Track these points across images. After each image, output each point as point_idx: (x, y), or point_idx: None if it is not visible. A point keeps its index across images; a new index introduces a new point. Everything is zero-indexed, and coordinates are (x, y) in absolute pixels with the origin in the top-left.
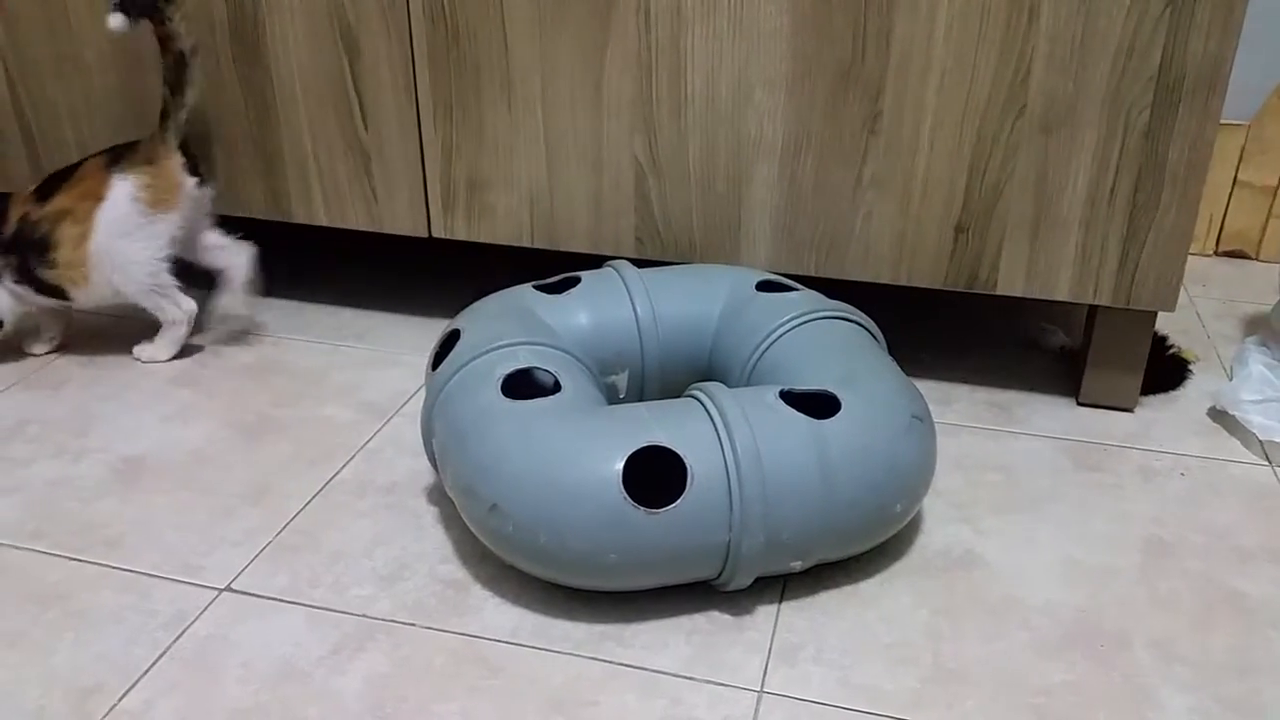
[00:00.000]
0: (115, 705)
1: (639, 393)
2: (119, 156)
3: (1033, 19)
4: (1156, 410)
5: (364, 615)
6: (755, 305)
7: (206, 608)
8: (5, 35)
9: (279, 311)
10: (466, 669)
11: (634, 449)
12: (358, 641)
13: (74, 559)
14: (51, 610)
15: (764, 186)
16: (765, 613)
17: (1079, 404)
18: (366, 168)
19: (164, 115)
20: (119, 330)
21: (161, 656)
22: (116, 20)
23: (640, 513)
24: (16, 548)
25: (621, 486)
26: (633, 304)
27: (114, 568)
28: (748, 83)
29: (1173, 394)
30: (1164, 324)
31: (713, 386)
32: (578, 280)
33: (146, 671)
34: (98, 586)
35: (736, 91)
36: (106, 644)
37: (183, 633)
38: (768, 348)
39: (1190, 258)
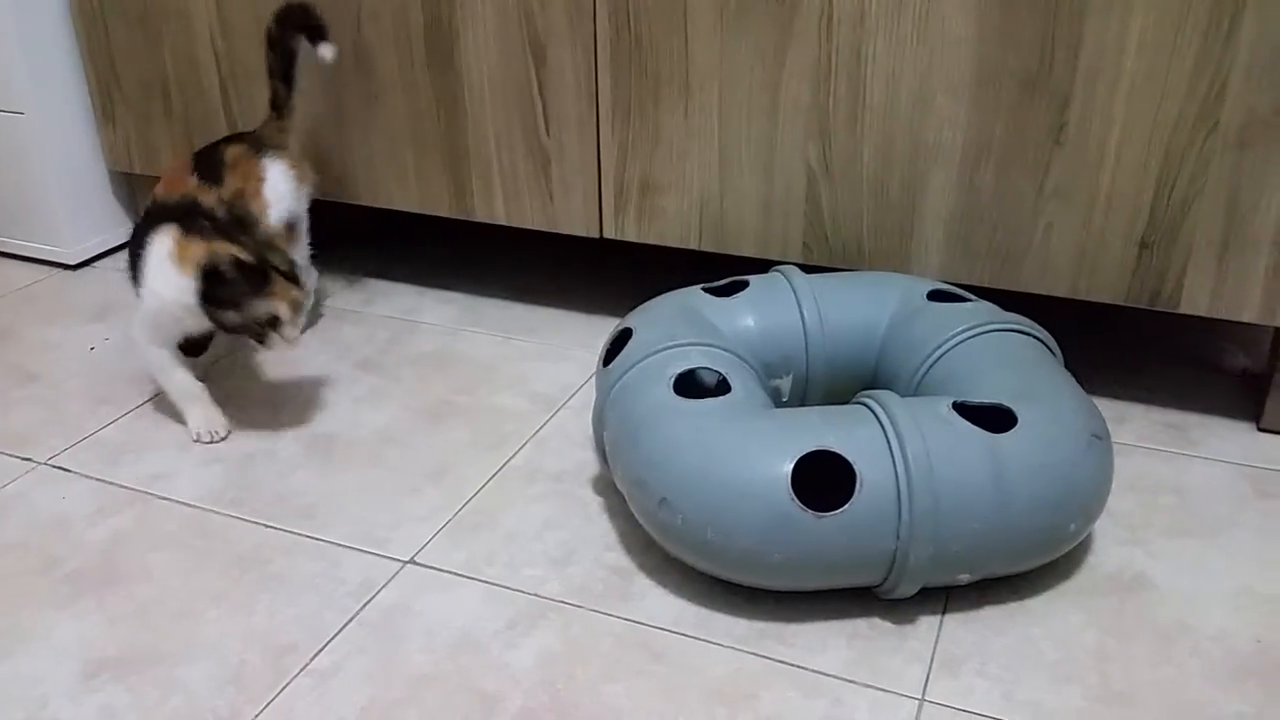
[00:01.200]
0: (307, 665)
1: (802, 398)
2: (256, 142)
3: (1233, 31)
4: None
5: (536, 594)
6: (926, 315)
7: (392, 578)
8: (221, 40)
9: (457, 305)
10: (631, 653)
11: (804, 452)
12: (530, 619)
13: (270, 526)
14: (250, 573)
15: (940, 194)
16: (928, 623)
17: (1259, 429)
18: (546, 170)
19: (277, 105)
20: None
21: (350, 622)
22: (328, 51)
23: (808, 515)
24: (218, 513)
25: (790, 488)
26: (800, 309)
27: (307, 536)
28: (929, 89)
29: None
30: None
31: (884, 394)
32: (746, 284)
33: (336, 635)
34: (292, 553)
35: (917, 98)
36: (300, 607)
37: (369, 601)
38: (939, 358)
39: None
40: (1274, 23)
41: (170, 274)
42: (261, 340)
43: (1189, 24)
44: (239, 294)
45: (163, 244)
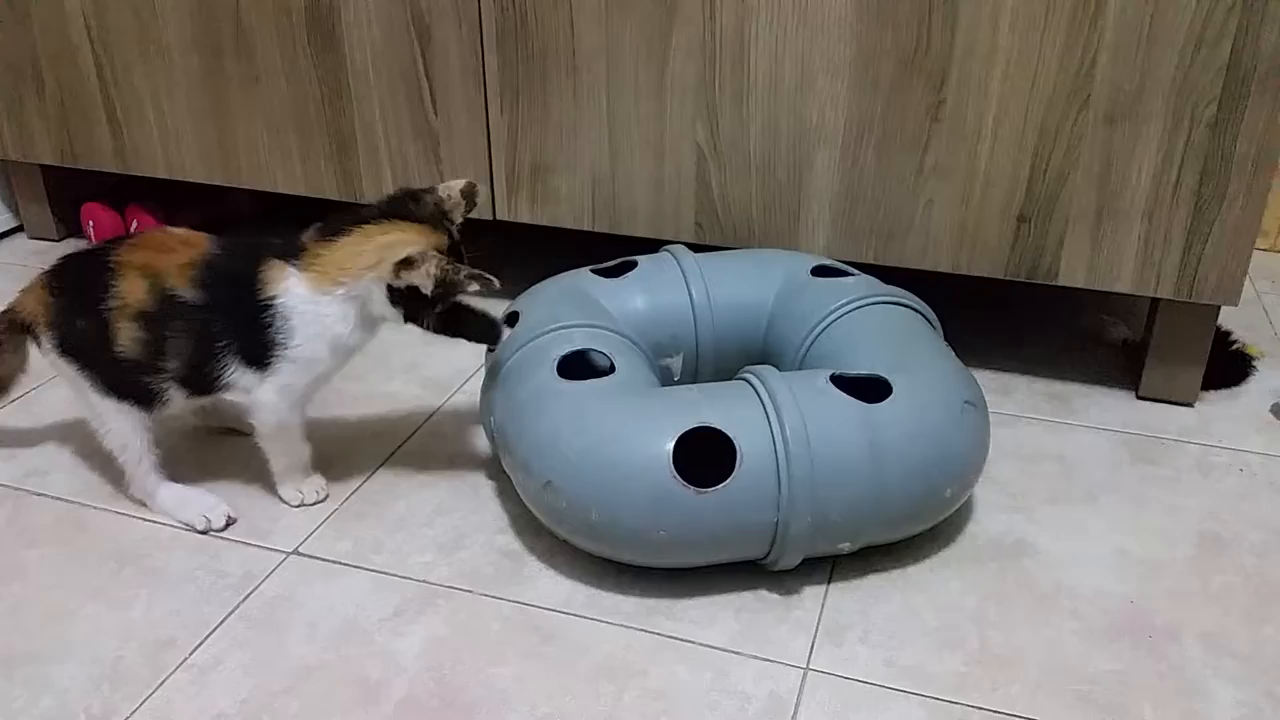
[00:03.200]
0: (186, 659)
1: (693, 376)
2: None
3: (1100, 8)
4: (1217, 405)
5: (424, 581)
6: (810, 290)
7: (274, 570)
8: (94, 18)
9: None
10: (520, 635)
11: (684, 429)
12: (418, 605)
13: (149, 520)
14: (128, 568)
15: (824, 173)
16: (813, 593)
17: (1139, 397)
18: (435, 151)
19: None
20: None
21: (230, 615)
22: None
23: (690, 492)
24: (95, 508)
25: (672, 466)
26: (688, 288)
27: (187, 530)
28: (810, 70)
29: (1235, 390)
30: (1229, 319)
31: (764, 369)
32: (634, 264)
33: (216, 628)
34: (172, 547)
35: (799, 78)
36: (179, 602)
37: (251, 593)
38: (821, 332)
39: (1260, 254)
40: (1135, 1)
41: (321, 304)
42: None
43: (1058, 2)
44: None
45: (281, 280)
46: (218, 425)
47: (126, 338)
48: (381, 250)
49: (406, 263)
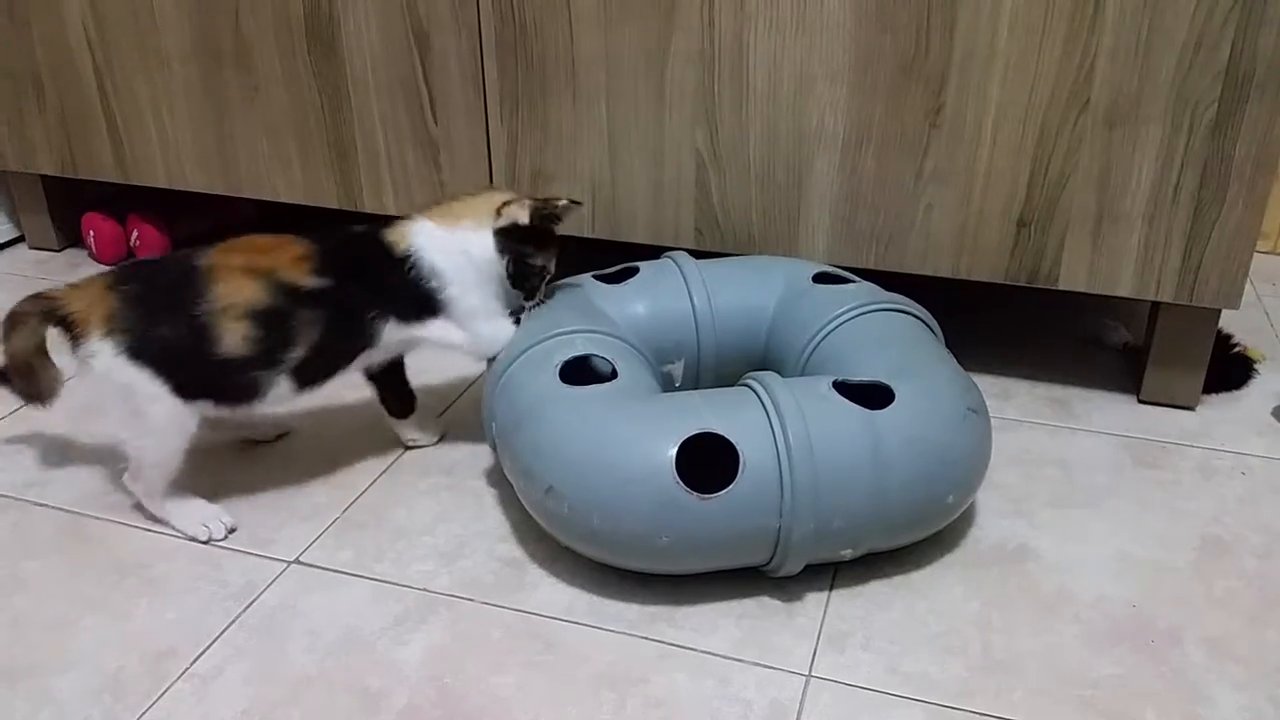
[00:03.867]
0: (188, 669)
1: (695, 382)
2: None
3: (1098, 12)
4: (1219, 409)
5: (425, 589)
6: (811, 297)
7: (275, 579)
8: (95, 29)
9: None
10: (522, 644)
11: (687, 435)
12: (419, 614)
13: (150, 530)
14: (130, 578)
15: (824, 179)
16: (815, 599)
17: (1140, 401)
18: (435, 159)
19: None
20: None
21: (231, 624)
22: None
23: (692, 498)
24: (96, 518)
25: (674, 472)
26: (690, 294)
27: (188, 540)
28: (809, 75)
29: (1236, 393)
30: (1231, 323)
31: (766, 376)
32: (636, 270)
33: (217, 638)
34: (173, 557)
35: (798, 84)
36: (180, 612)
37: (252, 602)
38: (823, 339)
39: (1261, 257)
40: (1133, 5)
41: (455, 237)
42: (533, 294)
43: (1056, 6)
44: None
45: (410, 232)
46: (236, 437)
47: (234, 337)
48: (485, 202)
49: (506, 204)
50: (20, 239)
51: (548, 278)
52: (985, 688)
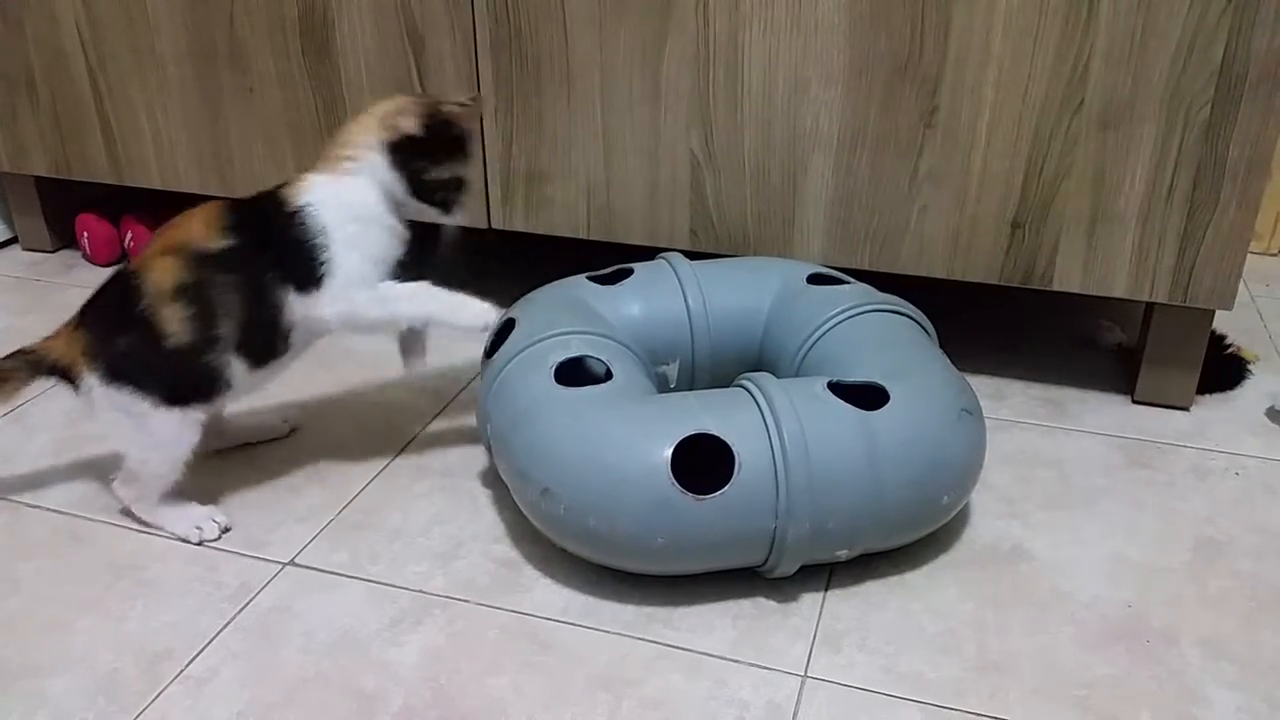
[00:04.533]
0: (182, 671)
1: (689, 383)
2: None
3: (1092, 14)
4: (1213, 409)
5: (420, 591)
6: (806, 298)
7: (270, 581)
8: (88, 29)
9: None
10: (517, 645)
11: (682, 436)
12: (414, 616)
13: (145, 532)
14: (124, 580)
15: (819, 180)
16: (811, 600)
17: (1134, 402)
18: None
19: None
20: None
21: (226, 626)
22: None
23: (688, 499)
24: (91, 520)
25: (670, 473)
26: (684, 295)
27: (183, 541)
28: (804, 77)
29: (1230, 393)
30: (1224, 323)
31: (761, 376)
32: (630, 271)
33: (212, 640)
34: (167, 559)
35: (793, 85)
36: (175, 613)
37: (247, 604)
38: (818, 340)
39: (1254, 257)
40: (1126, 6)
41: (340, 188)
42: (449, 209)
43: (1050, 8)
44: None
45: (304, 187)
46: (231, 444)
47: (173, 322)
48: (368, 119)
49: (388, 116)
50: (14, 240)
51: (462, 188)
52: (980, 688)
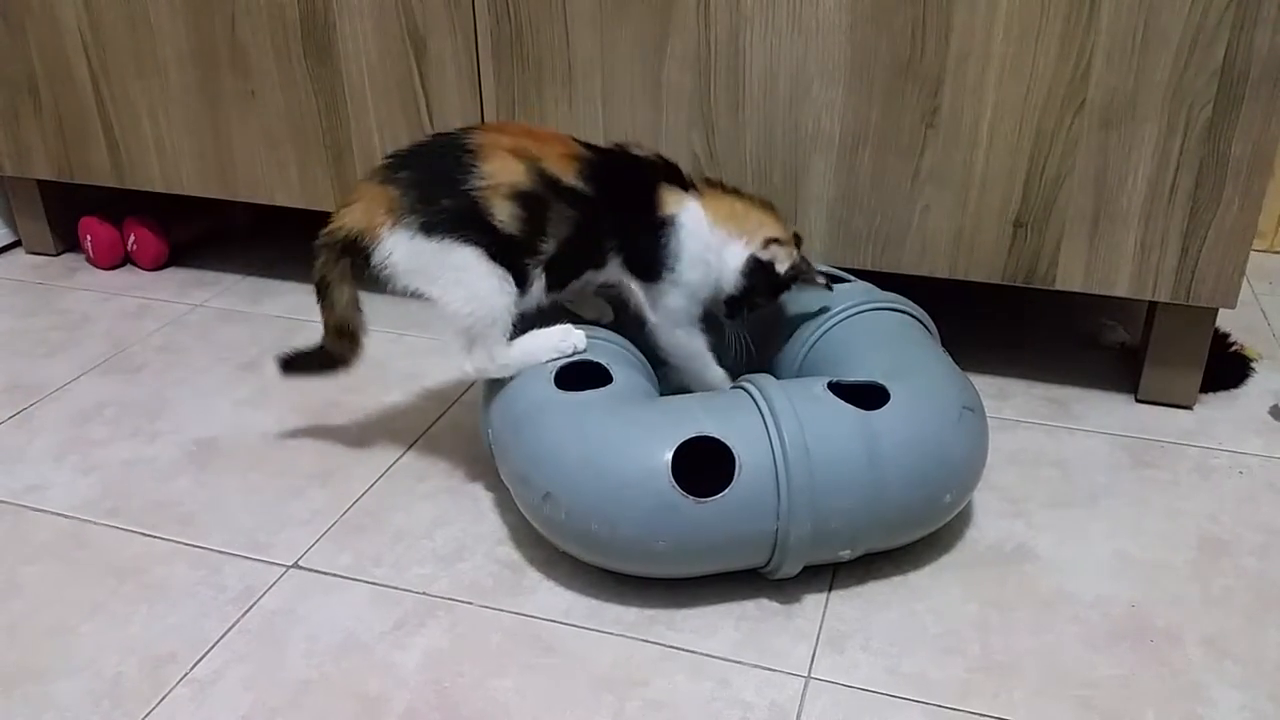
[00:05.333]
0: (187, 674)
1: None
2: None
3: (1093, 13)
4: (1216, 408)
5: (424, 593)
6: (807, 297)
7: (274, 583)
8: (90, 34)
9: None
10: (521, 647)
11: (683, 439)
12: (418, 618)
13: (149, 535)
14: (128, 583)
15: (820, 180)
16: (814, 601)
17: (1137, 400)
18: None
19: None
20: (194, 318)
21: (231, 629)
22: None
23: (689, 501)
24: (95, 523)
25: (670, 476)
26: None
27: (187, 544)
28: (806, 77)
29: (1234, 392)
30: (1228, 321)
31: (761, 378)
32: None
33: (216, 643)
34: (171, 562)
35: (794, 86)
36: (179, 616)
37: (251, 607)
38: (819, 339)
39: (1258, 255)
40: (1129, 5)
41: (715, 236)
42: (733, 316)
43: (1051, 7)
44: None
45: (680, 204)
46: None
47: (503, 213)
48: (760, 223)
49: (774, 241)
50: (17, 244)
51: (747, 311)
52: (984, 688)
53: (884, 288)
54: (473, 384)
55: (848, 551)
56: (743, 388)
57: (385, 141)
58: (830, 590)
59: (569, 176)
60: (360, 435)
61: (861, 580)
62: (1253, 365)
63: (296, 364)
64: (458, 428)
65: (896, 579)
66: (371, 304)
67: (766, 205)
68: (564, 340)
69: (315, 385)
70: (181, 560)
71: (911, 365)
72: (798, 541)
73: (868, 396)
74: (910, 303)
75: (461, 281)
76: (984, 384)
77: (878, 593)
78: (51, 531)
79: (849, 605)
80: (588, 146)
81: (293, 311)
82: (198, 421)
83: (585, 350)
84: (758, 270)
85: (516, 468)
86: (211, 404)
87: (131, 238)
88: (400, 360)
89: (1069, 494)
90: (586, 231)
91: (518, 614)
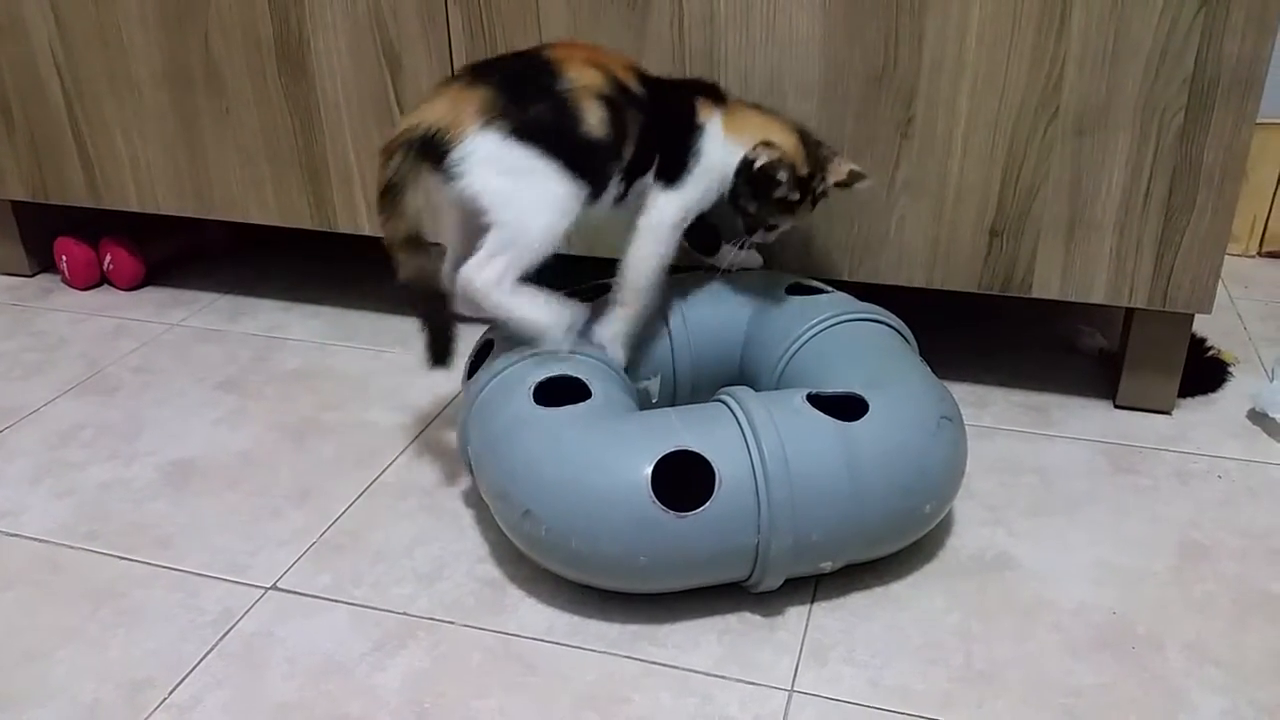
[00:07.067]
0: (165, 699)
1: (671, 397)
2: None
3: (1064, 23)
4: (1194, 413)
5: (404, 613)
6: (785, 308)
7: (253, 606)
8: (63, 53)
9: (325, 319)
10: (503, 666)
11: (662, 454)
12: (398, 639)
13: (125, 558)
14: (104, 608)
15: None
16: (796, 613)
17: (1116, 406)
18: None
19: None
20: (170, 338)
21: (209, 653)
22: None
23: (669, 516)
24: (71, 547)
25: (650, 491)
26: (664, 310)
27: (164, 567)
28: (780, 88)
29: (1211, 396)
30: (1205, 326)
31: (740, 390)
32: (609, 287)
33: (195, 667)
34: (148, 585)
35: (769, 97)
36: (157, 640)
37: (230, 630)
38: (797, 351)
39: (1232, 259)
40: (1099, 14)
41: (725, 145)
42: (750, 231)
43: (1023, 17)
44: (774, 197)
45: (711, 114)
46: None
47: (593, 115)
48: (767, 131)
49: (767, 144)
50: None
51: (763, 229)
52: (968, 698)
53: (861, 298)
54: (451, 401)
55: (829, 564)
56: (721, 400)
57: (361, 158)
58: (812, 602)
59: (633, 84)
60: (339, 454)
61: (844, 592)
62: (1230, 369)
63: (439, 346)
64: (437, 445)
65: (878, 589)
66: (349, 321)
67: (790, 124)
68: (563, 311)
69: (292, 405)
70: (159, 583)
71: (890, 376)
72: (779, 554)
73: (846, 408)
74: (888, 313)
75: (531, 196)
76: (962, 392)
77: (860, 604)
78: (26, 556)
79: (831, 617)
80: (639, 65)
81: (270, 330)
82: (175, 442)
83: (564, 358)
84: (744, 169)
85: (496, 484)
86: (189, 424)
87: (107, 258)
88: (380, 377)
89: (1049, 501)
90: (647, 137)
91: (499, 633)
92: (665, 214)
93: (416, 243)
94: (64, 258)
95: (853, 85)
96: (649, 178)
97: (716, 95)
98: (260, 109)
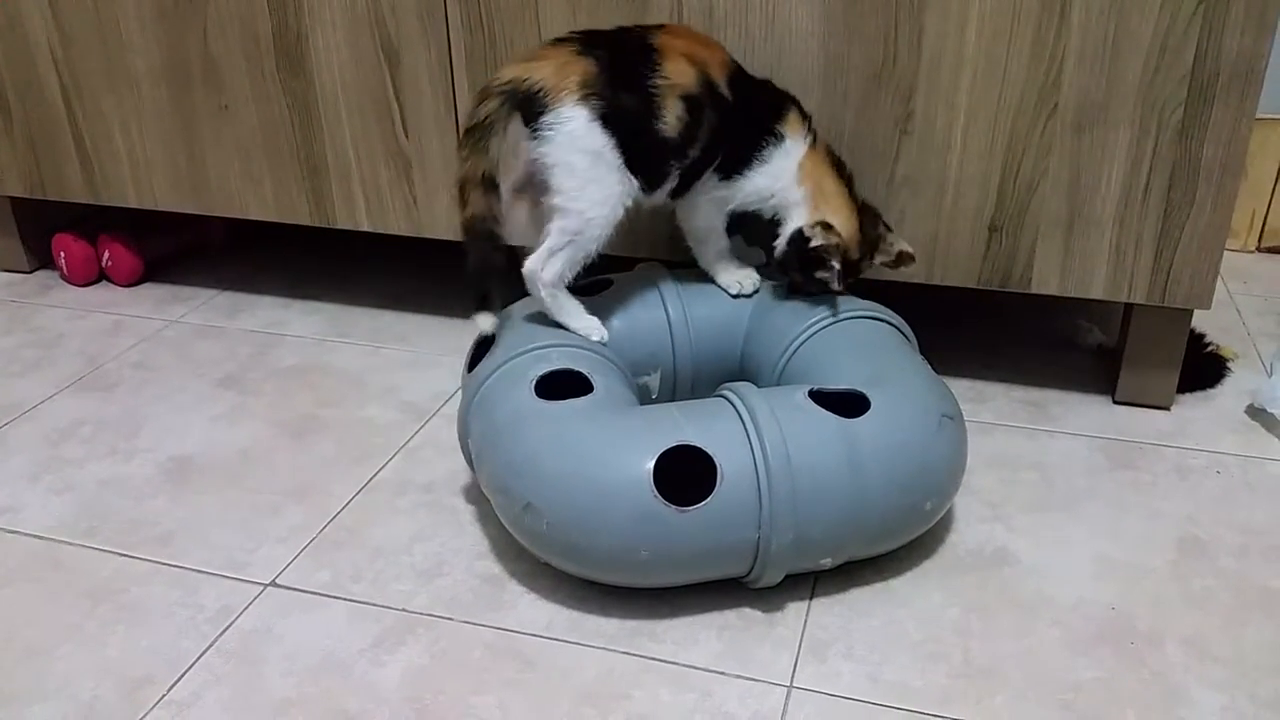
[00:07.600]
0: (164, 696)
1: (671, 393)
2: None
3: (1064, 18)
4: (1193, 408)
5: (403, 609)
6: (786, 306)
7: (252, 602)
8: (61, 49)
9: (324, 316)
10: (502, 662)
11: (664, 448)
12: (397, 635)
13: (125, 555)
14: (103, 605)
15: None
16: (796, 609)
17: (1115, 402)
18: (407, 174)
19: None
20: (169, 334)
21: (208, 649)
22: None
23: (671, 511)
24: (70, 544)
25: (652, 485)
26: (665, 305)
27: (163, 564)
28: (780, 83)
29: (1210, 392)
30: (1204, 322)
31: (742, 386)
32: (610, 283)
33: (194, 664)
34: (148, 582)
35: None
36: (156, 637)
37: (229, 626)
38: (798, 348)
39: (1232, 254)
40: (1098, 9)
41: (785, 180)
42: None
43: (1023, 13)
44: (818, 276)
45: (794, 132)
46: None
47: (671, 115)
48: (831, 209)
49: (825, 225)
50: None
51: (800, 284)
52: (967, 694)
53: (862, 295)
54: (450, 397)
55: (829, 560)
56: (724, 396)
57: (360, 154)
58: (812, 598)
59: (722, 83)
60: (338, 450)
61: (843, 588)
62: (1229, 365)
63: (484, 290)
64: (436, 441)
65: (878, 585)
66: (347, 318)
67: (854, 202)
68: (598, 328)
69: (291, 402)
70: (158, 580)
71: (891, 373)
72: (779, 550)
73: (848, 405)
74: (888, 310)
75: (597, 189)
76: (962, 388)
77: (859, 600)
78: (25, 553)
79: (831, 613)
80: (736, 62)
81: (269, 326)
82: (174, 439)
83: (605, 342)
84: (797, 240)
85: (497, 478)
86: (188, 421)
87: (106, 254)
88: (378, 374)
89: (1048, 497)
90: (717, 135)
91: (499, 628)
92: (712, 201)
93: (488, 184)
94: (62, 254)
95: (852, 81)
96: (707, 176)
97: (807, 118)
98: (259, 105)
